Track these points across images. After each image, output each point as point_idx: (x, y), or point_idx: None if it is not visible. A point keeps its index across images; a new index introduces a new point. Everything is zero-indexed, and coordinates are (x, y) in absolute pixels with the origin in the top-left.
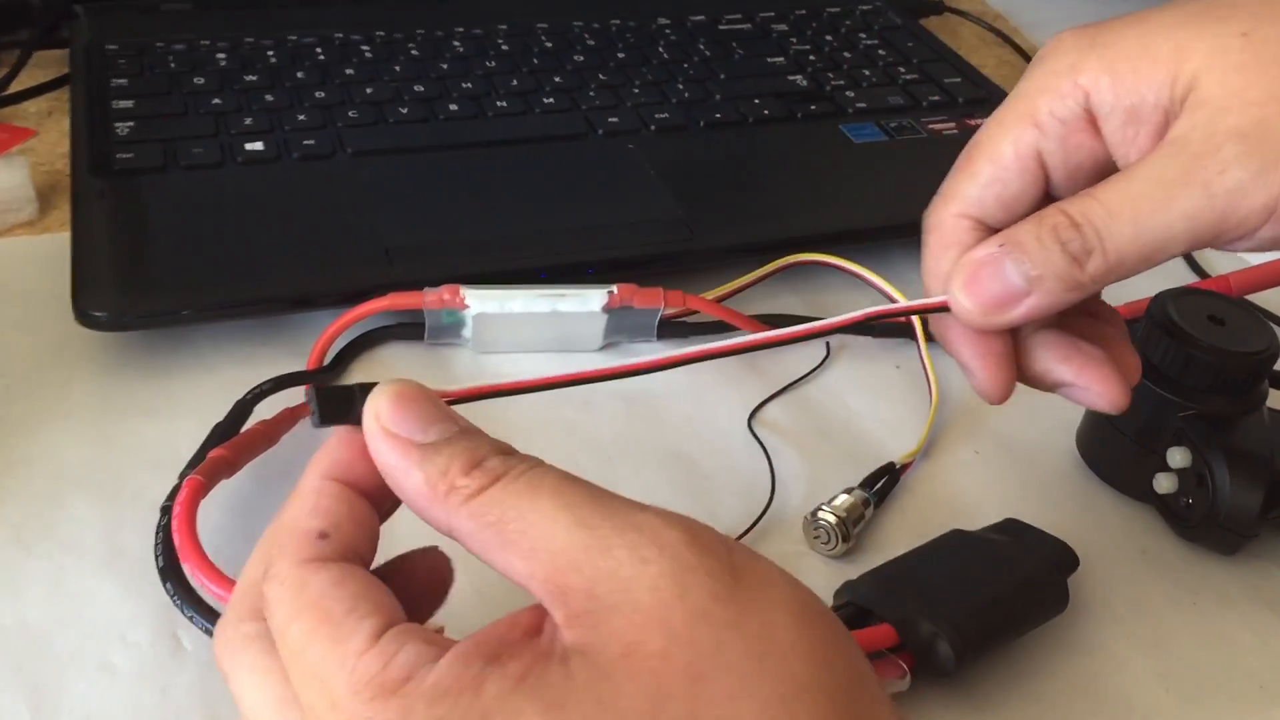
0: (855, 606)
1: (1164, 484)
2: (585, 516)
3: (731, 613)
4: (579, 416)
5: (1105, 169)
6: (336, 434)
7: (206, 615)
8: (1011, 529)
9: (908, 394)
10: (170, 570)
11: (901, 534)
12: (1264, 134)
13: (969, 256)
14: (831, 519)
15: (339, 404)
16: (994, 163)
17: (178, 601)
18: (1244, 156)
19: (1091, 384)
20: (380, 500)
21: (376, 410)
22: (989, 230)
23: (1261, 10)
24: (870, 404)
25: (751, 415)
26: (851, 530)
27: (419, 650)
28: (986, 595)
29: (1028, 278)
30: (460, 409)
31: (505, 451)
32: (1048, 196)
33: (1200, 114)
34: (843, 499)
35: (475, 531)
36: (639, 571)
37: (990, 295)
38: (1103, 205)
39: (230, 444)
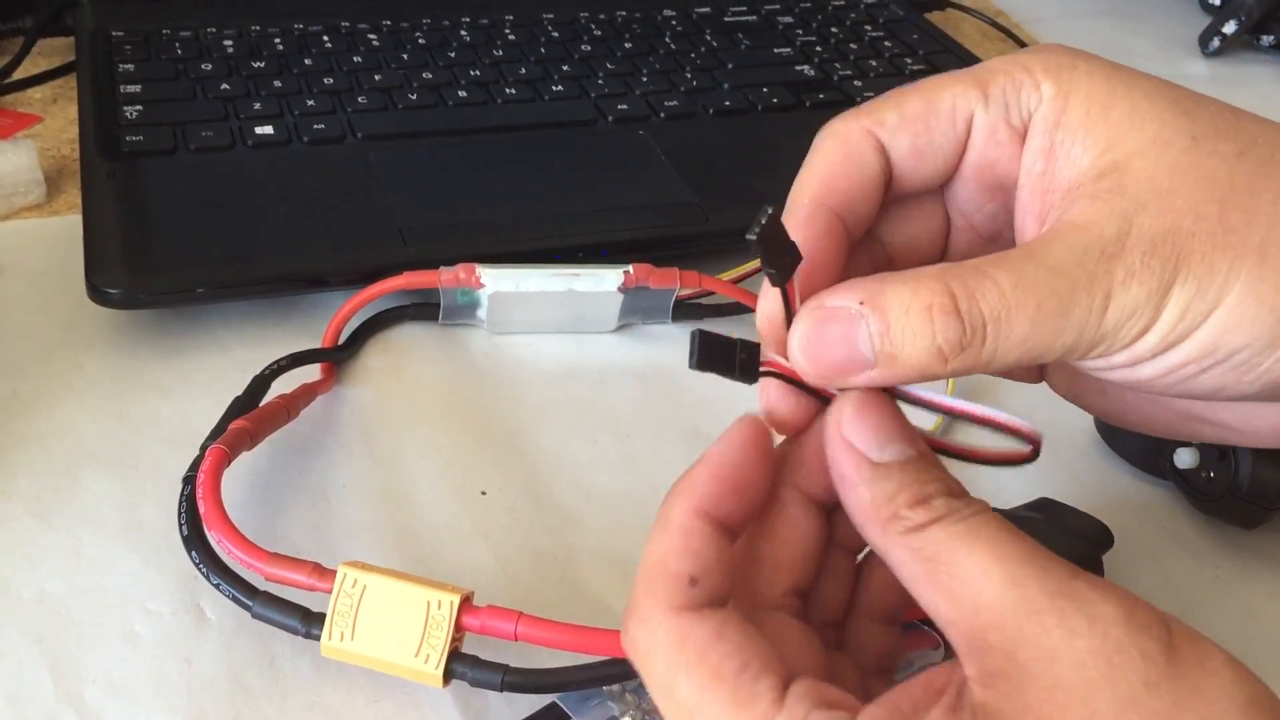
0: None
1: (1185, 459)
2: (1018, 575)
3: (1165, 702)
4: (595, 395)
5: (996, 187)
6: (706, 465)
7: (233, 583)
8: (1046, 507)
9: None
10: (195, 539)
11: None
12: (1171, 247)
13: (821, 301)
14: None
15: (718, 353)
16: (928, 103)
17: (203, 569)
18: (1145, 271)
19: None
20: (738, 532)
21: (840, 417)
22: (888, 166)
23: (1222, 124)
24: None
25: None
26: None
27: (830, 717)
28: None
29: (876, 353)
30: (474, 387)
31: (953, 493)
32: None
33: (1118, 203)
34: None
35: (907, 562)
36: (1066, 644)
37: (829, 360)
38: (997, 290)
39: (251, 416)
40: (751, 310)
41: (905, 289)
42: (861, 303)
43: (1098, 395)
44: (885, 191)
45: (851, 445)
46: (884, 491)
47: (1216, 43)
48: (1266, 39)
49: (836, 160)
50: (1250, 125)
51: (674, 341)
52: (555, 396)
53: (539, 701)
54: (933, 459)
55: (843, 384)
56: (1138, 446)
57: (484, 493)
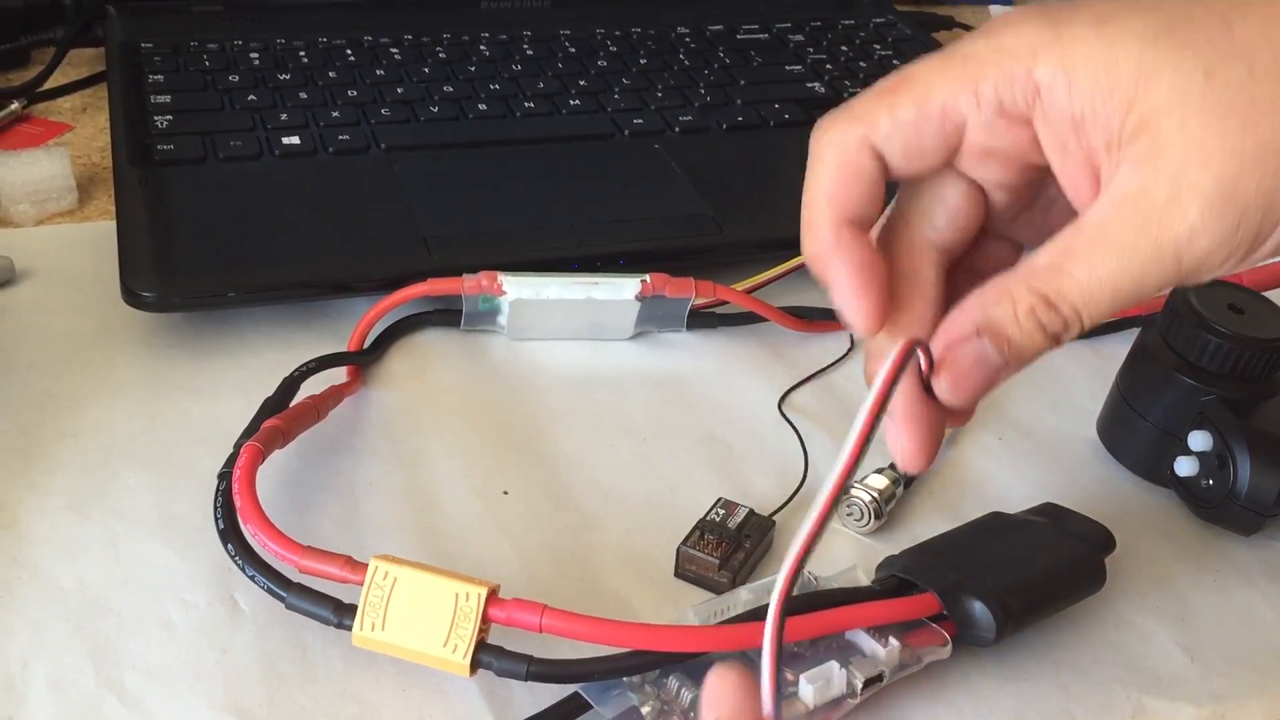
0: (898, 578)
1: (1185, 466)
2: None
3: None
4: (613, 400)
5: (1019, 163)
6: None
7: (268, 574)
8: (1050, 511)
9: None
10: (231, 532)
11: (930, 514)
12: (1226, 193)
13: (945, 344)
14: (866, 497)
15: None
16: (920, 107)
17: (239, 561)
18: (1209, 221)
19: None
20: None
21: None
22: (884, 170)
23: (1221, 43)
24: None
25: (781, 400)
26: (884, 508)
27: None
28: (1028, 571)
29: (1007, 357)
30: (495, 391)
31: None
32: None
33: (1161, 165)
34: (875, 478)
35: None
36: None
37: (976, 385)
38: (1078, 285)
39: (283, 415)
40: (765, 320)
41: (1005, 302)
42: (978, 331)
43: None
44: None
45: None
46: None
47: None
48: None
49: (839, 174)
50: (1245, 32)
51: (689, 349)
52: (574, 401)
53: (561, 692)
54: None
55: (989, 392)
56: (1139, 455)
57: (506, 492)
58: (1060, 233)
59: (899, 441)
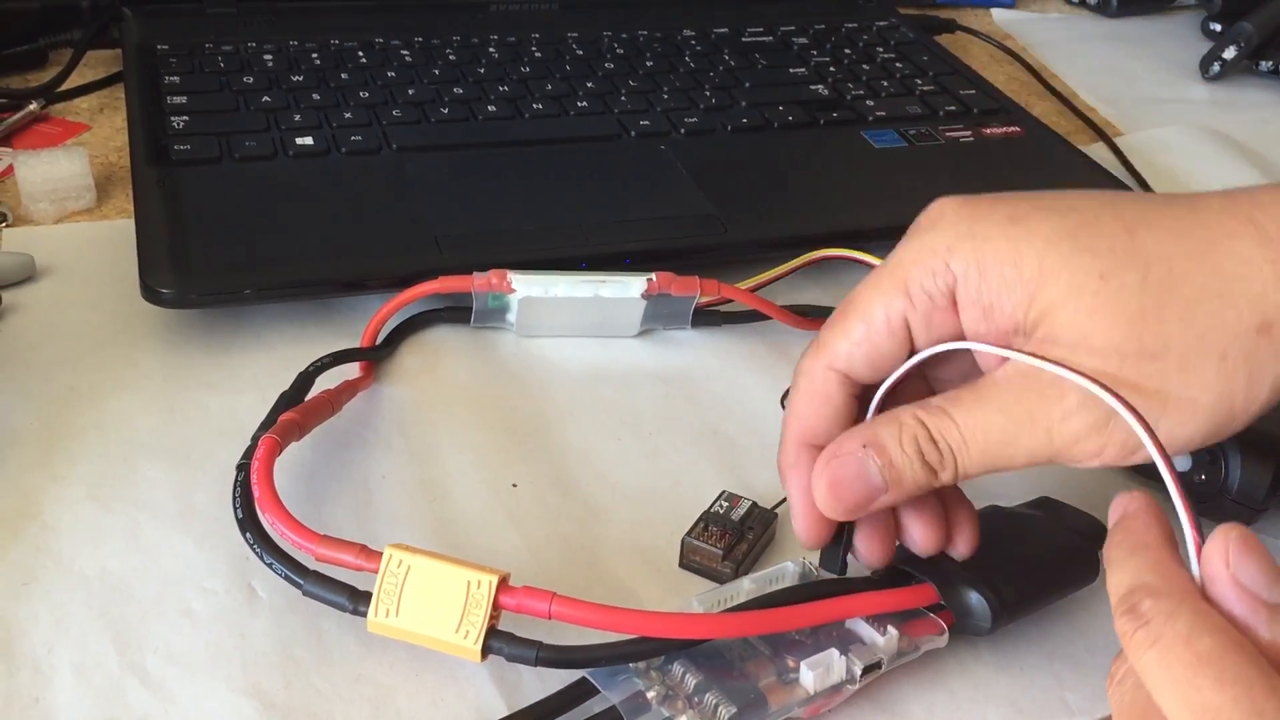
0: (897, 568)
1: (1178, 462)
2: None
3: None
4: (619, 396)
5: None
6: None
7: (285, 562)
8: (1046, 505)
9: None
10: (249, 521)
11: None
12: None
13: (832, 453)
14: None
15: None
16: (866, 323)
17: (257, 550)
18: (1082, 410)
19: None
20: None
21: (1227, 555)
22: (854, 384)
23: (1121, 250)
24: None
25: (783, 396)
26: None
27: None
28: (1023, 563)
29: (886, 479)
30: (504, 387)
31: None
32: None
33: (1051, 352)
34: None
35: None
36: None
37: (854, 495)
38: (958, 429)
39: (299, 409)
40: (768, 318)
41: (891, 427)
42: (864, 446)
43: None
44: (857, 404)
45: (1244, 587)
46: None
47: (1217, 68)
48: (1265, 64)
49: (807, 401)
50: (1145, 242)
51: (694, 347)
52: (581, 397)
53: (569, 677)
54: None
55: (865, 511)
56: None
57: (515, 485)
58: (962, 385)
59: (797, 525)
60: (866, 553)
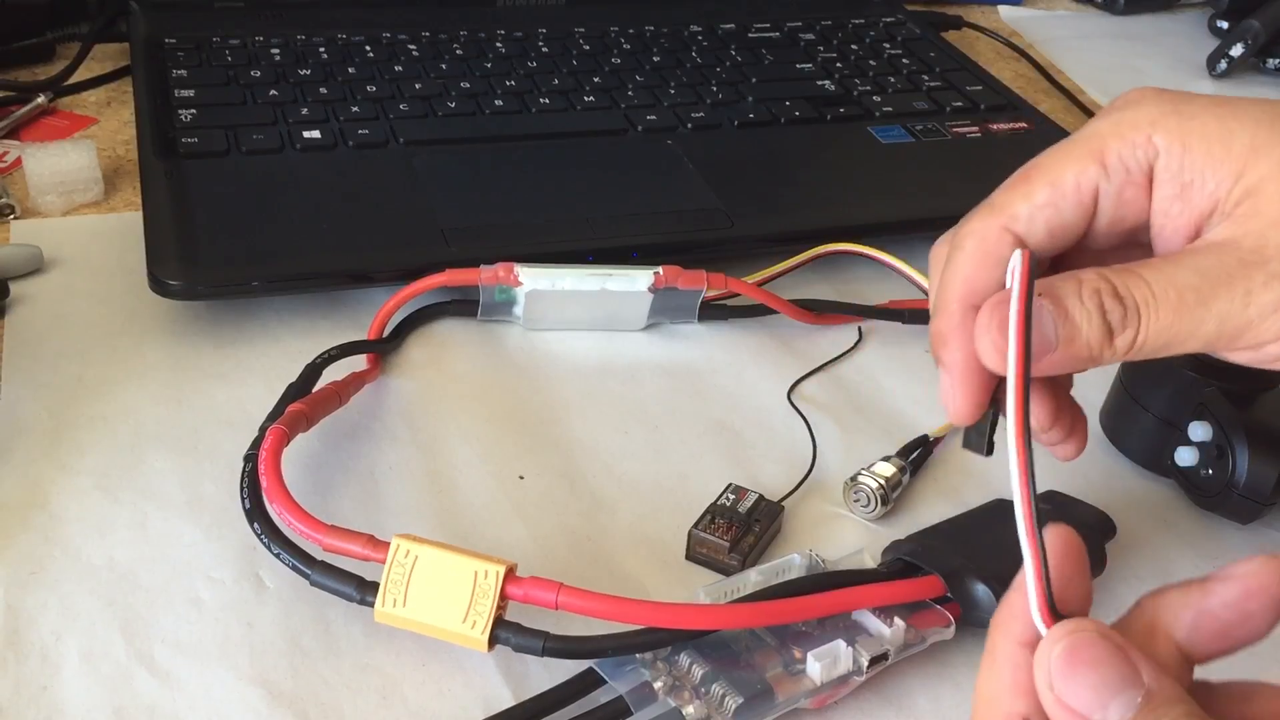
0: (904, 561)
1: (1186, 456)
2: None
3: None
4: (625, 389)
5: (1137, 232)
6: (1022, 592)
7: (293, 552)
8: (1053, 498)
9: (937, 375)
10: (257, 511)
11: (934, 501)
12: None
13: (1002, 298)
14: (873, 484)
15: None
16: (1054, 188)
17: (265, 540)
18: None
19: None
20: None
21: (1050, 670)
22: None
23: None
24: (901, 383)
25: (790, 390)
26: (890, 495)
27: None
28: None
29: (1059, 336)
30: (511, 379)
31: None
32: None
33: (1255, 223)
34: (882, 466)
35: None
36: None
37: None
38: (1148, 285)
39: (306, 400)
40: (773, 311)
41: (1072, 281)
42: (1040, 295)
43: None
44: None
45: (1070, 708)
46: None
47: (1224, 65)
48: (1272, 62)
49: (977, 261)
50: None
51: (700, 340)
52: (588, 389)
53: (576, 667)
54: (1169, 685)
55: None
56: (1141, 445)
57: (522, 477)
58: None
59: (951, 396)
60: (957, 410)
